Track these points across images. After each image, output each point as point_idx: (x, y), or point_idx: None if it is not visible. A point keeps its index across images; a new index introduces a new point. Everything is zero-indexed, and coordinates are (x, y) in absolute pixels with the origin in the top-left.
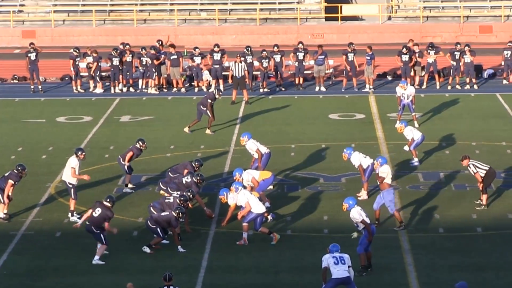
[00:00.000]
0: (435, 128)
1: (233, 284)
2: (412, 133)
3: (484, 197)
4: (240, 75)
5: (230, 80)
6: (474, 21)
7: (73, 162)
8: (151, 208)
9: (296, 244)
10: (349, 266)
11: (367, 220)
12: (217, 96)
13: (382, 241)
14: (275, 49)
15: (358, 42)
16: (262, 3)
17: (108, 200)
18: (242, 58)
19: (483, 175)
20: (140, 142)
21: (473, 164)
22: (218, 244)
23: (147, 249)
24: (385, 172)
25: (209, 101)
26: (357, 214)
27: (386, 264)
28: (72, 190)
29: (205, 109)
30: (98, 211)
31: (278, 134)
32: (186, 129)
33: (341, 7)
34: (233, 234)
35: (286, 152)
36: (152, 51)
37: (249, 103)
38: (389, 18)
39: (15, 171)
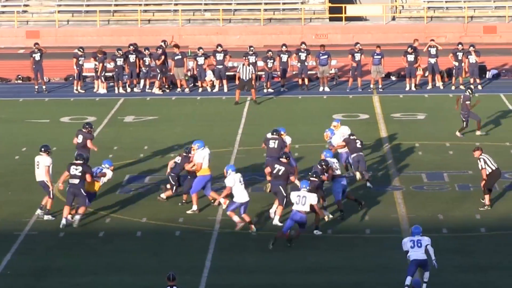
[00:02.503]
0: (439, 129)
1: (237, 285)
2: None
3: (486, 197)
4: (248, 78)
5: (237, 81)
6: (478, 22)
7: (48, 161)
8: None
9: (300, 244)
10: (427, 245)
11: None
12: (470, 95)
13: (386, 241)
14: (284, 48)
15: (362, 43)
16: (266, 3)
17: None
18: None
19: (488, 173)
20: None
21: (484, 159)
22: (222, 244)
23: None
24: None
25: (467, 102)
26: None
27: (390, 264)
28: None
29: (466, 114)
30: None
31: None
32: (458, 133)
33: (345, 7)
34: (237, 234)
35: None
36: (159, 51)
37: (257, 103)
38: (393, 18)
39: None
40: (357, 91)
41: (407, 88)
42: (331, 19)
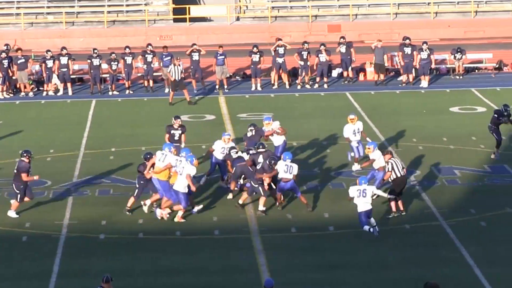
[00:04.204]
0: (286, 128)
1: None
2: None
3: (398, 203)
4: (179, 78)
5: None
6: (322, 20)
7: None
8: None
9: (149, 246)
10: (372, 191)
11: None
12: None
13: (235, 242)
14: (127, 50)
15: (207, 43)
16: (109, 6)
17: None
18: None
19: (392, 179)
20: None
21: (392, 163)
22: (69, 249)
23: None
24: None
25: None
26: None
27: (239, 265)
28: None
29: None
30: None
31: (129, 137)
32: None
33: (189, 8)
34: (84, 238)
35: (137, 154)
36: (3, 55)
37: (193, 103)
38: (238, 18)
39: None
40: (203, 92)
41: (253, 88)
42: (175, 20)
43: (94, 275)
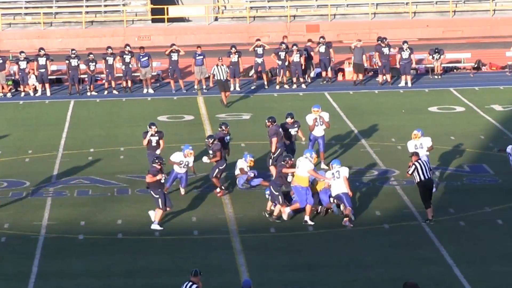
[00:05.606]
0: (264, 129)
1: None
2: None
3: (428, 211)
4: (225, 78)
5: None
6: (301, 20)
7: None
8: None
9: (127, 247)
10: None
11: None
12: None
13: (214, 242)
14: (109, 51)
15: (185, 44)
16: (87, 6)
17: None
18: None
19: (417, 181)
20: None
21: (416, 165)
22: (48, 250)
23: None
24: None
25: None
26: None
27: (218, 265)
28: None
29: None
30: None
31: (107, 137)
32: None
33: (167, 8)
34: (63, 239)
35: (115, 155)
36: None
37: (227, 106)
38: (216, 19)
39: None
40: (181, 92)
41: (232, 89)
42: (153, 20)
43: (73, 276)
